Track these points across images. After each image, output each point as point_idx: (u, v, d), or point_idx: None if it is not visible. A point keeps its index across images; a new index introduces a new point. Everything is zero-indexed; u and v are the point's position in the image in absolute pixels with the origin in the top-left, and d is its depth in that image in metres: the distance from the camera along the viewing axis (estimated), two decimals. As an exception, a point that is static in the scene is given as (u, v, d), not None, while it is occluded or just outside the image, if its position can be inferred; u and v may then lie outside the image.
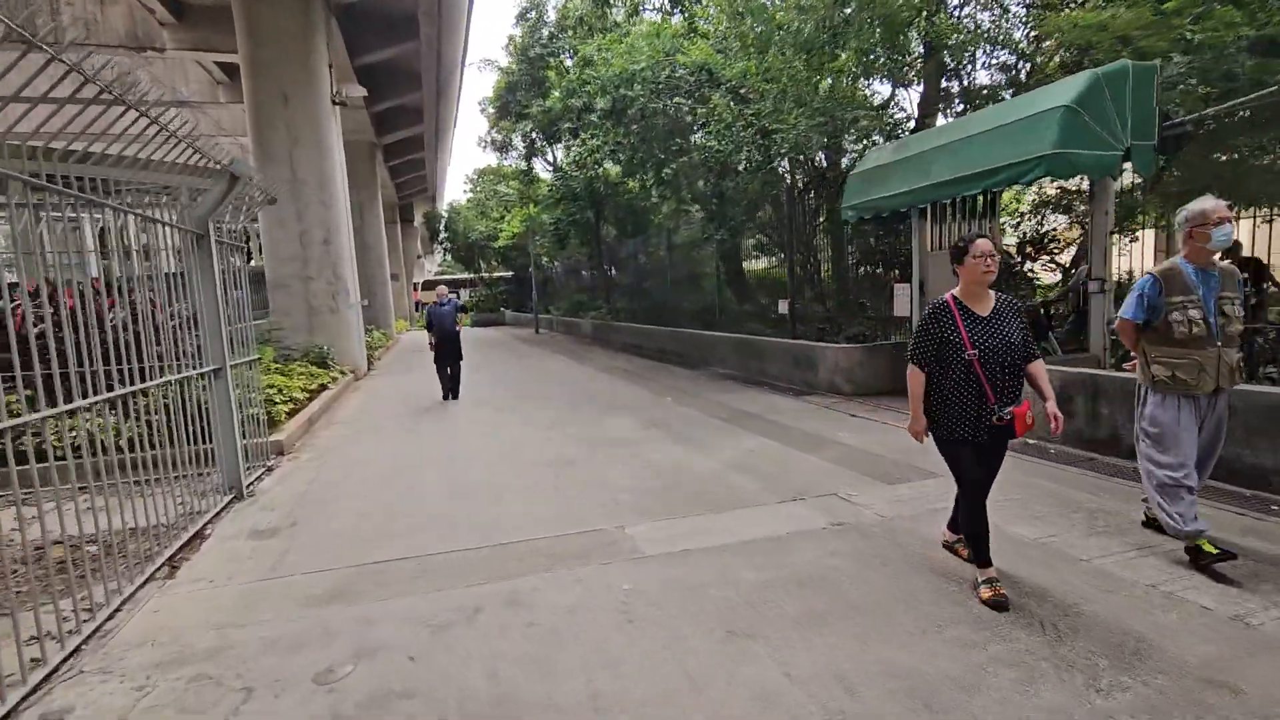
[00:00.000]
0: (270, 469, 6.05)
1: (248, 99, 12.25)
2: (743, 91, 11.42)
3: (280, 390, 8.04)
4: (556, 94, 21.76)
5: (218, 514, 4.80)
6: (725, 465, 5.60)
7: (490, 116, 27.25)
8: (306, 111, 12.21)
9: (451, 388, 9.85)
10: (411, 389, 11.50)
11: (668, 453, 6.12)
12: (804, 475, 5.22)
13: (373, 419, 8.70)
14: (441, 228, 42.26)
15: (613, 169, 21.32)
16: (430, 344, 9.88)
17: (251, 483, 5.48)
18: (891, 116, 10.46)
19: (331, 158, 12.73)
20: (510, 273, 41.26)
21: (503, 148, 27.58)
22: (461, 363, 10.10)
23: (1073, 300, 9.04)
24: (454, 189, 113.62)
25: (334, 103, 12.98)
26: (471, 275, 45.07)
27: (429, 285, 49.46)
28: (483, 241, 38.33)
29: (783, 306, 11.50)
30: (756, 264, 18.51)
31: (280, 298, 12.35)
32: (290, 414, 7.87)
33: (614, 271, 22.91)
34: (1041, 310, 8.78)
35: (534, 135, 23.53)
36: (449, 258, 48.70)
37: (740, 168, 10.77)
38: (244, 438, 5.61)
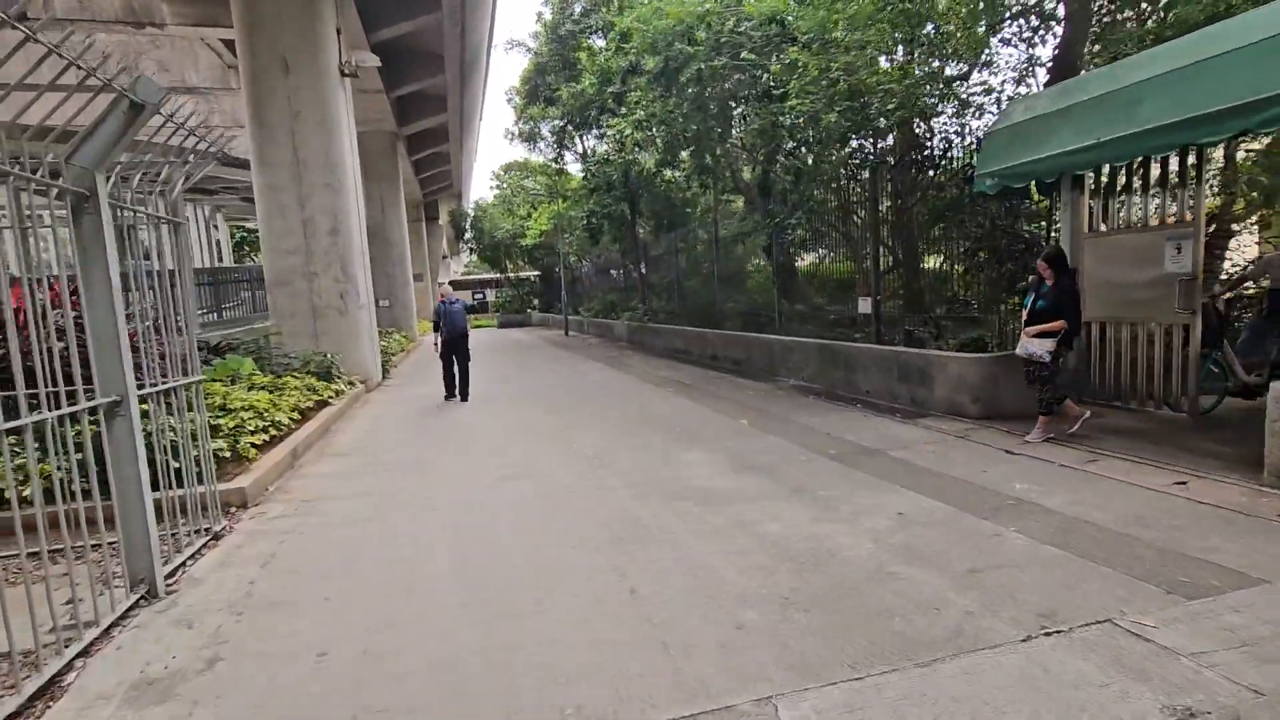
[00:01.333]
0: (217, 537, 4.30)
1: (242, 66, 10.67)
2: (815, 47, 9.49)
3: (260, 414, 6.34)
4: (589, 78, 20.07)
5: (107, 631, 3.06)
6: (881, 545, 3.70)
7: (517, 105, 25.63)
8: (311, 81, 10.59)
9: (461, 388, 9.86)
10: (430, 403, 9.78)
11: (785, 518, 4.23)
12: (1019, 570, 3.29)
13: (376, 448, 6.97)
14: (467, 226, 40.84)
15: (648, 161, 19.53)
16: (435, 344, 9.91)
17: (177, 568, 3.74)
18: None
19: (340, 135, 11.09)
20: (537, 272, 39.71)
21: (530, 139, 25.90)
22: (469, 363, 10.01)
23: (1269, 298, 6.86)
24: (480, 186, 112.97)
25: (343, 74, 11.34)
26: (498, 275, 43.66)
27: (457, 286, 48.22)
28: (509, 240, 36.78)
29: (864, 305, 9.53)
30: (808, 257, 16.51)
31: (281, 297, 10.74)
32: (268, 444, 6.17)
33: (649, 270, 21.08)
34: (1219, 306, 6.62)
35: (564, 123, 21.76)
36: (475, 257, 47.25)
37: (820, 138, 8.82)
38: (180, 489, 3.89)
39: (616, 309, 23.83)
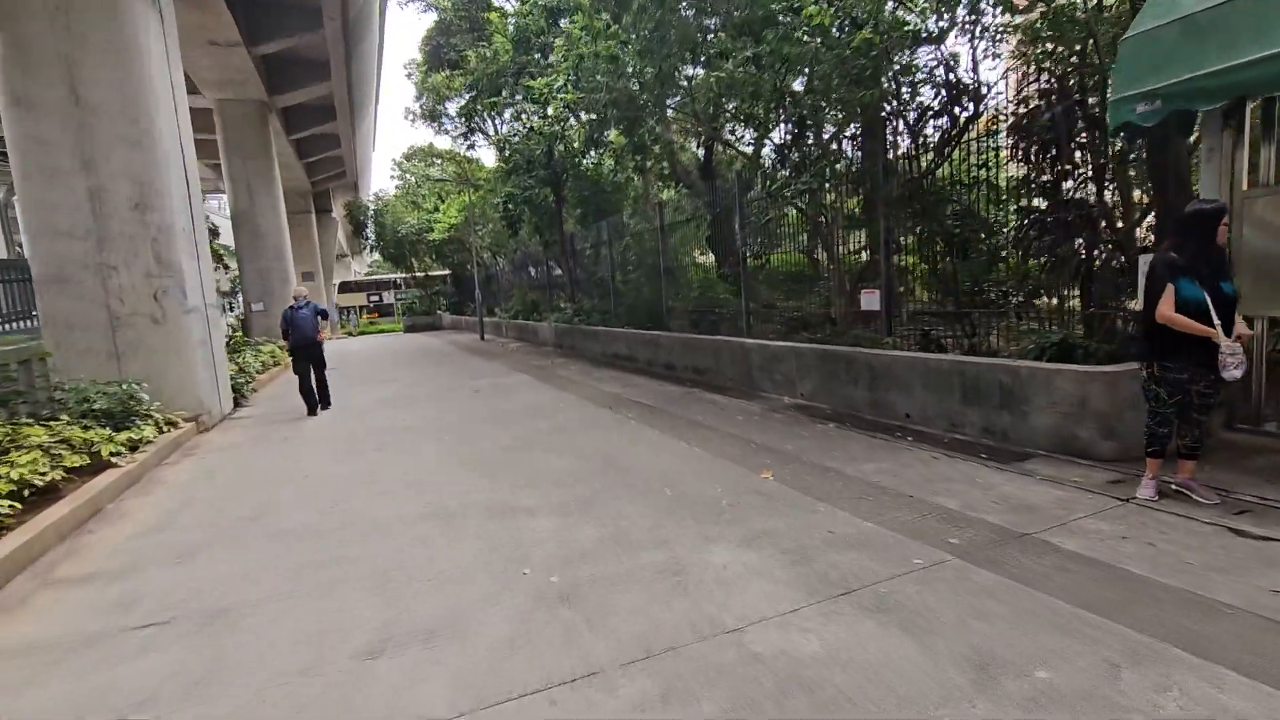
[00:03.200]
0: None
1: (-23, -43, 7.21)
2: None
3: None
4: (501, 39, 17.20)
5: None
6: None
7: (418, 76, 22.19)
8: (92, -13, 7.28)
9: (320, 398, 9.18)
10: (289, 450, 6.77)
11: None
12: None
13: (151, 568, 4.02)
14: (368, 220, 36.46)
15: (576, 134, 16.87)
16: (287, 350, 9.14)
17: None
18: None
19: (147, 71, 7.80)
20: (448, 271, 36.03)
21: (434, 118, 22.51)
22: (326, 371, 9.31)
23: None
24: (382, 178, 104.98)
25: (153, -14, 8.05)
26: (404, 275, 39.54)
27: (347, 287, 43.55)
28: (414, 236, 32.91)
29: (869, 301, 7.41)
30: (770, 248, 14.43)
31: (55, 300, 7.37)
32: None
33: (577, 265, 18.44)
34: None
35: (471, 97, 18.61)
36: (379, 256, 42.54)
37: (850, 71, 6.52)
38: None
39: (539, 309, 21.04)
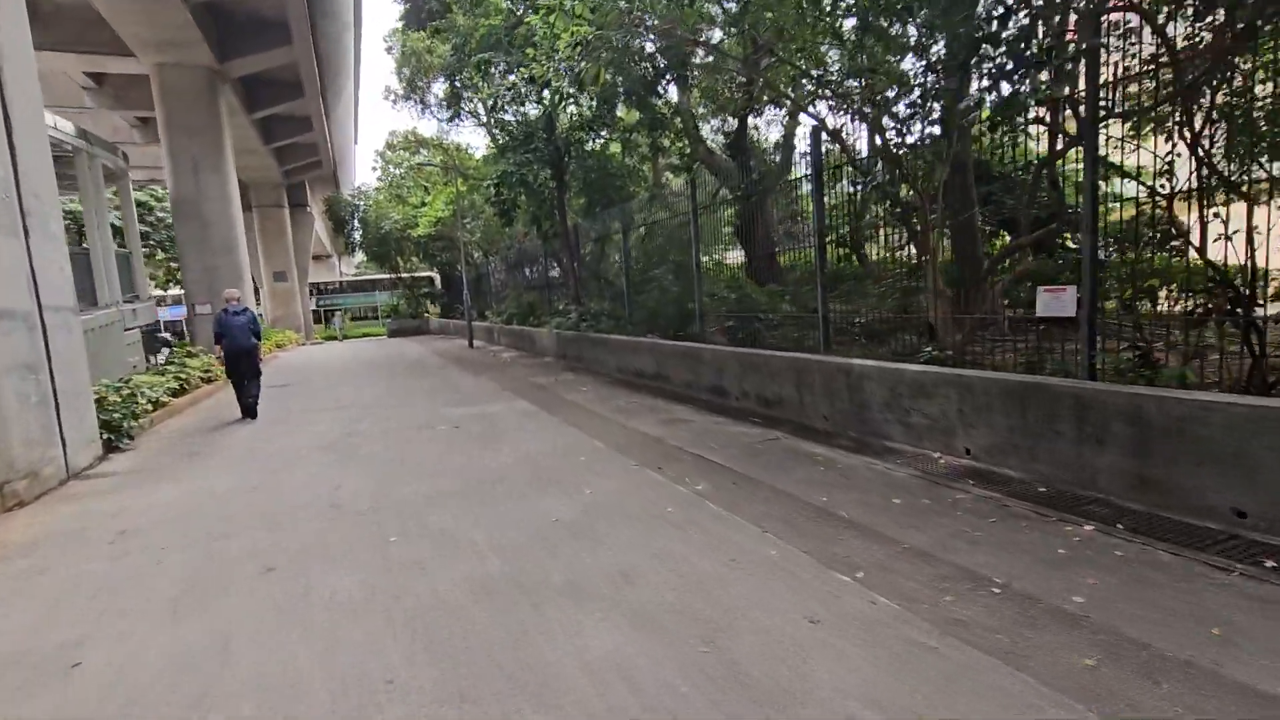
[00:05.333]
0: None
1: None
2: None
3: None
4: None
5: None
6: None
7: (398, 38, 19.19)
8: None
9: (249, 407, 8.52)
10: (116, 580, 3.84)
11: None
12: None
13: None
14: (351, 217, 33.40)
15: (581, 107, 14.02)
16: (218, 357, 8.60)
17: None
18: None
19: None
20: (434, 271, 33.10)
21: (414, 89, 19.55)
22: (259, 379, 8.70)
23: None
24: (365, 174, 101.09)
25: None
26: (388, 275, 36.57)
27: (328, 289, 40.51)
28: (399, 233, 29.90)
29: (1054, 304, 4.61)
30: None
31: None
32: None
33: (582, 261, 15.58)
34: None
35: (453, 74, 15.60)
36: (364, 255, 39.28)
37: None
38: None
39: (537, 312, 18.17)
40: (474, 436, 6.74)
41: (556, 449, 5.96)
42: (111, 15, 13.55)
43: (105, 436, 6.73)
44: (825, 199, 6.63)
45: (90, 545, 4.21)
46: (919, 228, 6.33)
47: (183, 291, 17.21)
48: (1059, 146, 5.33)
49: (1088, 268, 4.24)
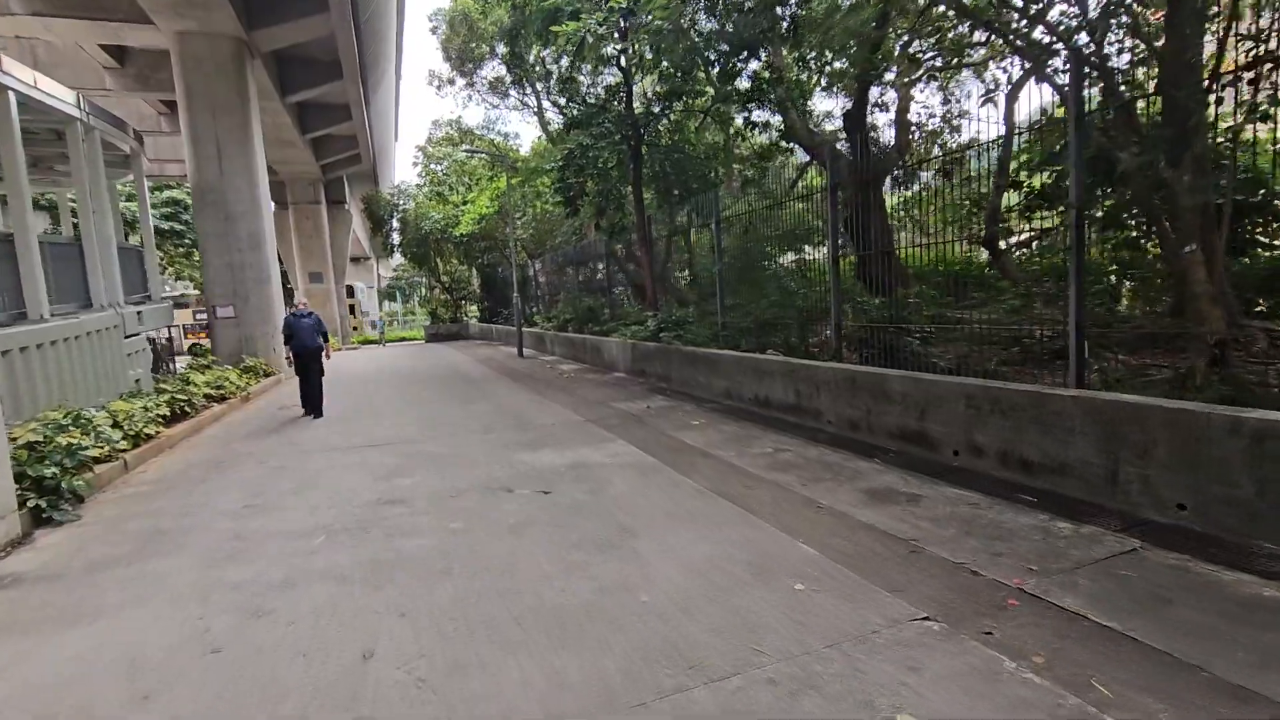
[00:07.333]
0: None
1: None
2: None
3: None
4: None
5: None
6: None
7: (449, 20, 17.11)
8: None
9: (316, 404, 9.30)
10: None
11: None
12: None
13: None
14: (392, 216, 31.60)
15: (658, 78, 11.62)
16: (287, 357, 9.44)
17: None
18: None
19: None
20: (473, 272, 31.01)
21: (466, 66, 17.38)
22: (323, 378, 9.46)
23: None
24: (405, 173, 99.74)
25: None
26: (427, 278, 34.80)
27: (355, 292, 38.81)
28: (440, 233, 27.79)
29: None
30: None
31: None
32: None
33: (657, 257, 13.14)
34: None
35: (521, 28, 13.37)
36: (404, 258, 37.34)
37: None
38: None
39: (598, 318, 15.80)
40: (578, 513, 4.32)
41: (735, 560, 3.50)
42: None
43: (34, 503, 4.50)
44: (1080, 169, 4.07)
45: None
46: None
47: (200, 292, 15.29)
48: None
49: None
